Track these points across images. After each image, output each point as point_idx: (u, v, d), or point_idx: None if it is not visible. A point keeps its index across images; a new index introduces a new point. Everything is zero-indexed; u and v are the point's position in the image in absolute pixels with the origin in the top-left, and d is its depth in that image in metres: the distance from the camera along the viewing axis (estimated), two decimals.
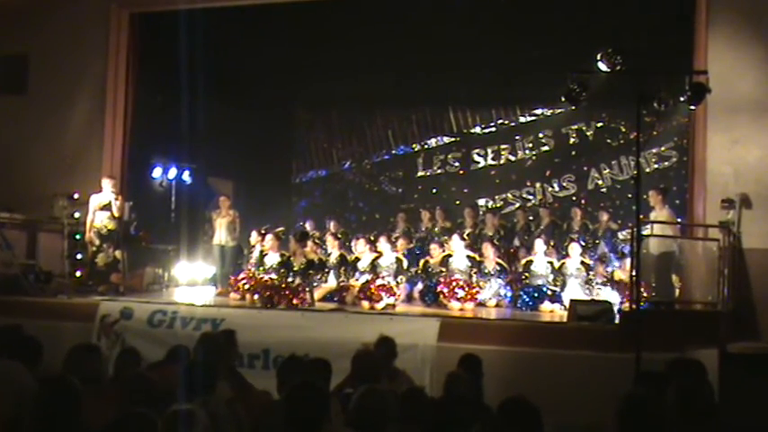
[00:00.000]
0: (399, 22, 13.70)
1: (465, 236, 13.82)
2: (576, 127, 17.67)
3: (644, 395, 4.34)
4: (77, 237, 13.16)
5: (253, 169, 17.80)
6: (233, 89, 15.91)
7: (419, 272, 13.61)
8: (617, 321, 10.02)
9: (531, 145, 18.03)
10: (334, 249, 13.40)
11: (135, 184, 14.38)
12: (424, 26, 13.76)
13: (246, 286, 12.53)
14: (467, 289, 12.09)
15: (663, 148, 16.80)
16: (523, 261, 13.23)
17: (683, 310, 11.24)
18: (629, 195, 15.84)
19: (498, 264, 13.11)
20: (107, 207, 12.60)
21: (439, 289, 12.30)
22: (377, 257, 12.75)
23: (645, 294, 10.77)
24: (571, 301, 11.11)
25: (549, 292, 12.46)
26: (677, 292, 12.05)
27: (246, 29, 14.24)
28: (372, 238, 13.40)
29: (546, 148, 17.99)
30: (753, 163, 11.33)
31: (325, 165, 19.51)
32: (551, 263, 12.88)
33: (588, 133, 17.68)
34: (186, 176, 16.21)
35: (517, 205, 17.41)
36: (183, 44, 12.32)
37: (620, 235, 14.48)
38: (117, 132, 13.85)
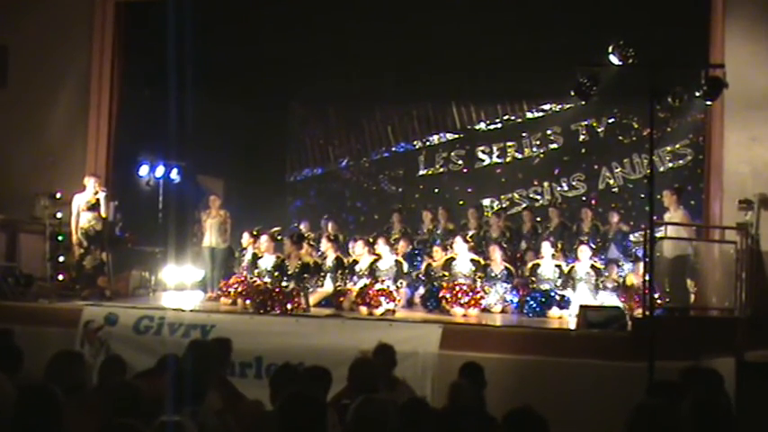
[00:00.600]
0: (400, 11, 13.69)
1: (468, 238, 13.81)
2: (585, 123, 17.70)
3: (656, 406, 4.34)
4: (60, 238, 13.15)
5: (244, 167, 17.80)
6: (224, 83, 15.90)
7: (420, 276, 13.61)
8: (629, 328, 10.02)
9: (538, 142, 18.05)
10: (329, 252, 13.40)
11: (120, 182, 14.37)
12: (426, 16, 13.75)
13: (238, 290, 12.54)
14: (471, 294, 12.10)
15: (677, 146, 16.84)
16: (530, 264, 13.23)
17: (698, 317, 11.26)
18: (642, 195, 15.86)
19: (504, 267, 13.11)
20: (94, 207, 12.59)
21: (441, 294, 12.30)
22: (375, 260, 12.74)
23: (658, 300, 10.78)
24: (580, 306, 11.10)
25: (558, 298, 12.45)
26: (692, 297, 12.07)
27: (239, 19, 14.23)
28: (371, 240, 13.39)
29: (554, 145, 18.01)
30: None
31: (321, 162, 19.51)
32: (560, 266, 12.88)
33: (599, 130, 17.71)
34: (174, 175, 16.17)
35: (524, 206, 17.41)
36: (172, 36, 12.29)
37: (632, 237, 14.48)
38: (102, 128, 13.84)
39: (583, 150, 17.81)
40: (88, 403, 5.13)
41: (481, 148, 18.40)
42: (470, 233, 14.48)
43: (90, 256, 12.60)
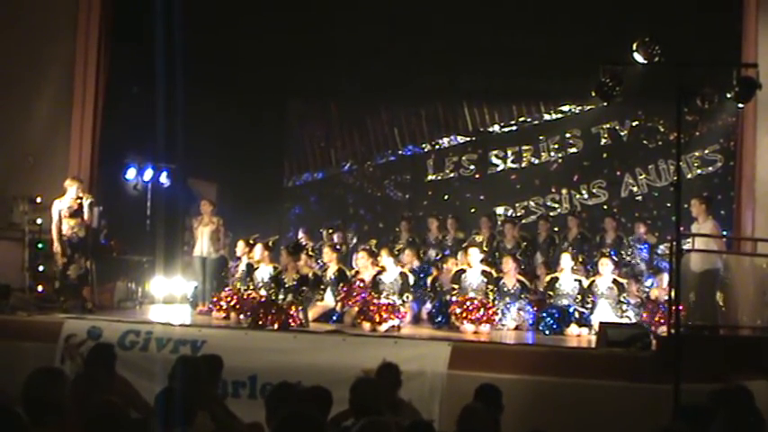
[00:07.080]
0: (410, 2, 13.70)
1: (484, 248, 13.79)
2: (607, 126, 17.70)
3: (684, 431, 4.34)
4: (40, 246, 13.14)
5: (240, 170, 17.78)
6: (218, 79, 15.92)
7: (427, 290, 13.59)
8: (653, 348, 10.01)
9: (556, 146, 18.05)
10: (331, 263, 13.41)
11: (106, 186, 14.34)
12: (437, 8, 13.78)
13: (231, 304, 12.54)
14: (484, 309, 12.08)
15: (706, 151, 16.84)
16: (547, 278, 13.22)
17: (728, 336, 11.23)
18: (668, 204, 15.85)
19: (519, 281, 13.09)
20: (77, 212, 12.56)
21: (451, 309, 12.28)
22: (380, 272, 12.74)
23: (685, 317, 10.76)
24: (601, 324, 11.10)
25: (577, 314, 12.44)
26: (721, 314, 12.04)
27: (234, 9, 14.26)
28: (375, 251, 13.39)
29: (574, 149, 18.00)
30: None
31: (322, 166, 19.50)
32: (579, 281, 12.87)
33: (622, 133, 17.71)
34: (164, 178, 16.18)
35: (540, 214, 17.40)
36: (163, 27, 12.33)
37: (659, 250, 14.47)
38: (86, 126, 13.76)
39: (604, 155, 17.80)
40: (69, 425, 5.11)
41: (495, 152, 18.39)
42: (482, 243, 14.46)
43: (75, 265, 12.57)
